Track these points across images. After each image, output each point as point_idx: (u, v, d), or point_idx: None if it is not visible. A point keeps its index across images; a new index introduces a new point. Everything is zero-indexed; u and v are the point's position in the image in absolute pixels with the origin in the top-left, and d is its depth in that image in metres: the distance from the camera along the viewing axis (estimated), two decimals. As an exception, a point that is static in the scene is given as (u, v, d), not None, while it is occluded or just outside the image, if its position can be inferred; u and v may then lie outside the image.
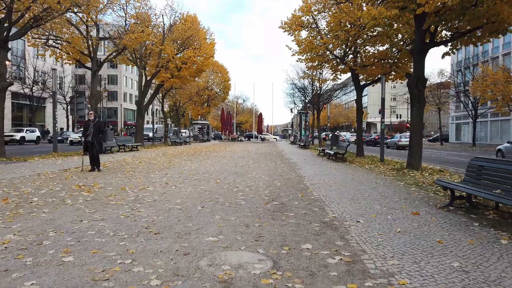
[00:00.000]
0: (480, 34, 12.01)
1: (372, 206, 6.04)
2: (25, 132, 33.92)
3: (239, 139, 51.71)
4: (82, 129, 11.21)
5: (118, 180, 8.63)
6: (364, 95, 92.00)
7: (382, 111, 16.02)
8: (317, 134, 38.81)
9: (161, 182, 8.43)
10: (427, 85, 48.53)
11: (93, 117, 10.67)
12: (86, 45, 20.93)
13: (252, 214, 5.32)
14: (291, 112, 60.77)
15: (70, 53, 20.80)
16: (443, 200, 6.58)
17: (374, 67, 17.37)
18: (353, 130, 78.57)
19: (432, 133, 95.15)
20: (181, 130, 57.69)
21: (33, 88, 41.92)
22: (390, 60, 17.71)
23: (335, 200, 6.56)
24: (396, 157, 19.05)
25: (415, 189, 7.89)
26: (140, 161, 14.04)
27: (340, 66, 19.77)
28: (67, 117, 47.92)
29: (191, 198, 6.53)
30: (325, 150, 18.23)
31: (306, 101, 41.36)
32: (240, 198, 6.59)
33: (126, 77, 79.38)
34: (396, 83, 23.03)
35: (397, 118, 79.60)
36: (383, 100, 15.97)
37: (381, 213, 5.48)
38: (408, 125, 58.84)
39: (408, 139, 34.04)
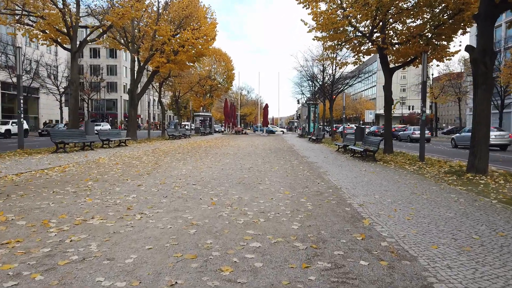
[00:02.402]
0: None
1: (524, 275, 2.95)
2: (11, 125, 30.99)
3: (244, 132, 48.55)
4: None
5: (52, 202, 5.32)
6: (373, 86, 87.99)
7: (423, 98, 12.80)
8: (329, 126, 35.55)
9: (123, 205, 5.27)
10: (445, 73, 44.97)
11: None
12: (64, 23, 17.84)
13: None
14: (298, 103, 57.40)
15: (47, 31, 17.75)
16: None
17: (410, 44, 14.10)
18: (361, 122, 74.99)
19: (444, 125, 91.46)
20: (184, 123, 54.59)
21: (23, 77, 38.92)
22: (424, 37, 14.44)
23: (432, 252, 3.44)
24: (415, 151, 16.25)
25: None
26: (118, 161, 10.90)
27: (363, 47, 16.59)
28: (60, 108, 44.83)
29: (158, 250, 3.43)
30: (348, 146, 15.09)
31: (316, 89, 38.02)
32: (251, 248, 3.50)
33: (125, 67, 76.13)
34: (425, 67, 19.58)
35: (408, 109, 75.84)
36: (424, 83, 12.78)
37: None
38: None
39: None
